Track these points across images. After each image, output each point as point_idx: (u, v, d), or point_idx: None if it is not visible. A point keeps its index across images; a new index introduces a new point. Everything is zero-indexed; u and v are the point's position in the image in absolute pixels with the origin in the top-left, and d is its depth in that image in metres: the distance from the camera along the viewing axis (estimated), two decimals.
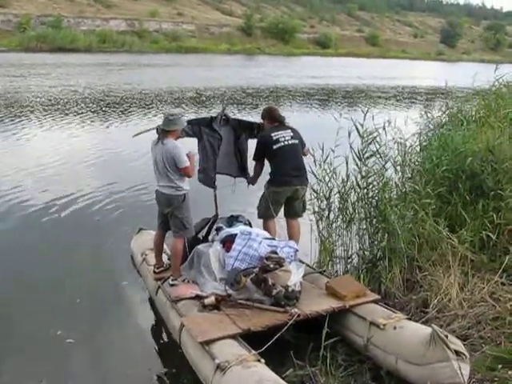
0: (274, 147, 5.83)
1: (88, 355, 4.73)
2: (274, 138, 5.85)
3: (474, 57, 78.73)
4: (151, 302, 5.61)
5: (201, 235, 5.89)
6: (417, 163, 6.75)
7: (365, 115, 5.94)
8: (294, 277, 4.80)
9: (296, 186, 5.91)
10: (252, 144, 6.16)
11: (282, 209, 6.12)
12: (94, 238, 7.19)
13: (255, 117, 6.21)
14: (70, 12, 57.53)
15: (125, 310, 5.52)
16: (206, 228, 5.93)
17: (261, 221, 6.15)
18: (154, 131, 5.47)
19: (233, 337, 4.17)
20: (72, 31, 50.90)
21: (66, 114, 16.88)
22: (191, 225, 5.47)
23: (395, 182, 6.22)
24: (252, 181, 6.23)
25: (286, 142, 5.85)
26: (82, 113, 17.40)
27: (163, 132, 5.22)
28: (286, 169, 5.89)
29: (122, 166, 10.85)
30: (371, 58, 64.50)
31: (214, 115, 6.09)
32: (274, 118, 6.04)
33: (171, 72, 33.42)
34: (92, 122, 16.12)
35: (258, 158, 6.01)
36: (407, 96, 27.59)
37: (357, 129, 5.97)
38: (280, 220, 6.25)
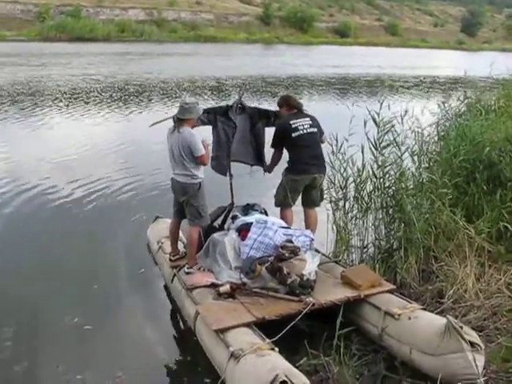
0: (293, 135, 5.78)
1: (104, 342, 4.78)
2: (293, 125, 5.80)
3: (495, 46, 77.42)
4: (167, 289, 5.65)
5: (216, 224, 5.89)
6: (434, 153, 6.69)
7: (381, 104, 5.88)
8: (309, 266, 4.79)
9: (314, 175, 5.89)
10: (269, 132, 6.13)
11: (300, 198, 6.10)
12: (112, 226, 7.27)
13: (273, 105, 6.16)
14: (89, 1, 57.63)
15: (141, 298, 5.55)
16: (222, 216, 5.93)
17: (276, 209, 6.15)
18: (171, 120, 5.49)
19: (247, 325, 4.18)
20: (91, 21, 51.11)
21: (87, 103, 17.07)
22: (206, 213, 5.49)
23: (412, 172, 6.16)
24: (269, 168, 6.20)
25: (304, 131, 5.81)
26: (104, 101, 17.56)
27: (178, 120, 5.23)
28: (304, 157, 5.85)
29: (141, 154, 10.91)
30: (391, 47, 63.81)
31: (231, 104, 6.07)
32: (291, 105, 5.99)
33: (190, 61, 33.45)
34: (113, 110, 16.26)
35: (277, 145, 5.98)
36: (426, 86, 27.26)
37: (373, 118, 5.92)
38: (296, 208, 6.22)
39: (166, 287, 5.71)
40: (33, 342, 4.69)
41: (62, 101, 17.21)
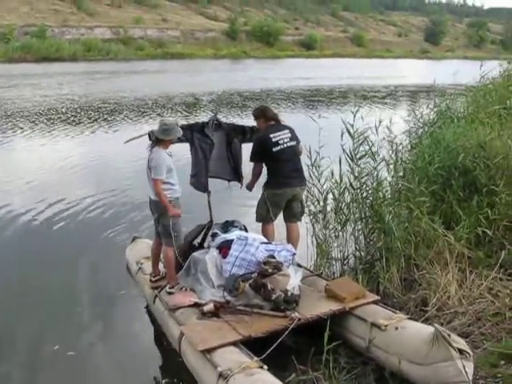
0: (274, 150, 5.71)
1: (87, 367, 4.67)
2: (273, 139, 5.72)
3: (457, 54, 79.29)
4: (149, 311, 5.57)
5: (196, 242, 5.85)
6: (408, 161, 6.75)
7: (354, 115, 5.92)
8: (292, 281, 4.77)
9: (296, 188, 5.85)
10: (246, 147, 6.09)
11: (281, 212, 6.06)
12: (88, 247, 7.15)
13: (246, 119, 6.16)
14: (54, 21, 57.39)
15: (122, 320, 5.48)
16: (202, 234, 5.89)
17: (256, 225, 6.11)
18: (147, 137, 5.44)
19: (234, 344, 4.13)
20: (56, 40, 50.85)
21: (65, 123, 17.10)
22: (179, 232, 5.40)
23: (388, 181, 6.21)
24: (250, 185, 6.07)
25: (285, 145, 5.75)
26: (81, 121, 17.59)
27: (157, 140, 5.20)
28: (286, 171, 5.80)
29: (114, 174, 10.83)
30: (357, 58, 64.78)
31: (206, 120, 6.04)
32: (269, 117, 5.90)
33: (161, 78, 33.55)
34: (91, 129, 16.31)
35: (257, 159, 5.88)
36: (396, 95, 27.76)
37: (348, 130, 5.96)
38: (277, 223, 6.17)
39: (147, 308, 5.63)
40: (11, 368, 4.57)
41: (34, 122, 17.12)
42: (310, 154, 6.02)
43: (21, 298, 5.77)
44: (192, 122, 6.11)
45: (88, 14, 64.30)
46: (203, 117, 17.03)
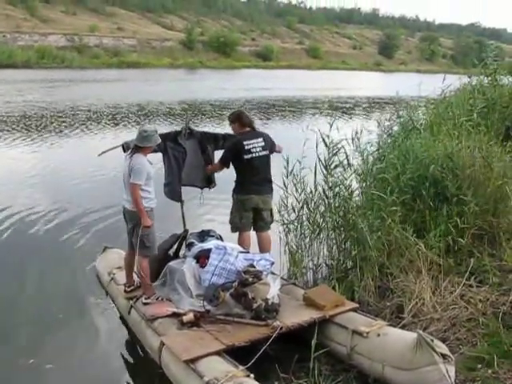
0: (245, 157, 5.78)
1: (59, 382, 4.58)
2: (246, 147, 5.77)
3: (410, 67, 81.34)
4: (123, 321, 5.47)
5: (171, 251, 5.81)
6: (379, 171, 6.88)
7: (331, 126, 6.04)
8: (272, 289, 4.80)
9: (263, 195, 5.93)
10: (218, 155, 6.13)
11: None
12: (57, 258, 7.00)
13: (211, 128, 6.17)
14: (6, 27, 56.06)
15: (94, 333, 5.35)
16: (177, 244, 5.85)
17: (231, 235, 6.11)
18: (120, 149, 5.40)
19: (218, 353, 4.13)
20: (9, 47, 49.63)
21: (11, 131, 16.54)
22: (153, 243, 5.34)
23: (361, 191, 6.32)
24: (209, 169, 6.14)
25: (257, 154, 5.81)
26: (31, 129, 17.13)
27: (136, 147, 5.17)
28: (254, 179, 5.87)
29: (77, 185, 10.53)
30: (312, 69, 65.60)
31: (179, 129, 6.05)
32: (244, 123, 5.94)
33: (120, 87, 33.20)
34: (47, 138, 15.89)
35: (225, 162, 5.95)
36: (361, 106, 28.23)
37: (323, 140, 6.07)
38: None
39: (121, 319, 5.53)
40: None
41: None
42: (288, 163, 6.09)
43: None
44: (164, 131, 6.06)
45: (41, 21, 63.13)
46: (169, 125, 17.14)
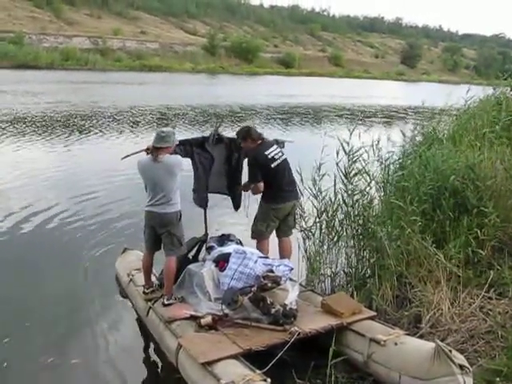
0: (273, 165, 5.76)
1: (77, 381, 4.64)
2: (270, 156, 5.76)
3: (433, 77, 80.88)
4: (141, 323, 5.51)
5: (190, 255, 5.85)
6: (399, 181, 6.87)
7: (351, 133, 6.05)
8: (290, 295, 4.81)
9: (292, 201, 5.95)
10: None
11: None
12: (76, 259, 7.04)
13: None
14: (32, 28, 56.96)
15: (113, 333, 5.40)
16: (196, 247, 5.90)
17: (251, 240, 6.12)
18: (143, 153, 5.44)
19: (235, 357, 4.14)
20: (34, 48, 50.34)
21: (35, 131, 16.84)
22: (185, 243, 5.46)
23: (380, 200, 6.32)
24: (240, 189, 6.09)
25: (280, 159, 5.82)
26: (58, 129, 17.43)
27: (155, 149, 5.18)
28: (283, 185, 5.87)
29: (99, 186, 10.68)
30: (334, 77, 65.50)
31: (207, 135, 6.02)
32: (256, 137, 5.89)
33: (144, 89, 33.59)
34: (72, 139, 16.08)
35: (255, 178, 5.79)
36: (387, 115, 28.11)
37: (343, 147, 6.07)
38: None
39: (139, 321, 5.57)
40: None
41: (17, 128, 17.03)
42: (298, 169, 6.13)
43: (9, 313, 5.63)
44: (192, 136, 6.10)
45: (66, 23, 64.06)
46: (196, 129, 17.26)
